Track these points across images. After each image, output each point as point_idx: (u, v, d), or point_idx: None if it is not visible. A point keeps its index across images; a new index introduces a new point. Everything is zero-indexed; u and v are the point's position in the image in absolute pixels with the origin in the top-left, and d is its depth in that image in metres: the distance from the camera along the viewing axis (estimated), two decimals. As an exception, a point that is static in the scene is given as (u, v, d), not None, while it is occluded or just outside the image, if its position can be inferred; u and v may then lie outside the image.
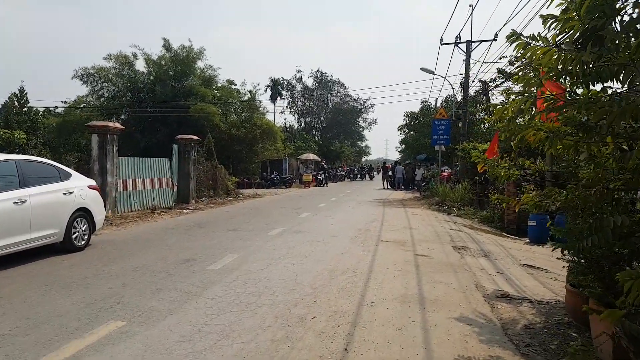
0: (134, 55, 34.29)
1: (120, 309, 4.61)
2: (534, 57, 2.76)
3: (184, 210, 14.15)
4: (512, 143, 3.69)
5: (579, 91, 3.31)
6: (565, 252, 4.51)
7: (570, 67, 2.68)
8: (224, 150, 30.80)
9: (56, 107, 41.48)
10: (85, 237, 7.77)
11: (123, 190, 13.56)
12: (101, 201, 8.43)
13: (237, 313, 4.49)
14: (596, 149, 3.40)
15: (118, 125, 13.39)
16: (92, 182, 8.39)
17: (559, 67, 2.66)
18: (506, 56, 24.65)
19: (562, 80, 3.25)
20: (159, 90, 33.21)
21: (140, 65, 35.19)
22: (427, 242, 8.98)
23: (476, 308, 4.84)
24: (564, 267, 4.92)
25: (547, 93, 3.40)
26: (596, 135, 3.09)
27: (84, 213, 7.74)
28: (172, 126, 31.60)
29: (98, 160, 12.63)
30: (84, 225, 7.72)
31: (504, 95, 16.94)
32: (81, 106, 35.82)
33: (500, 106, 3.23)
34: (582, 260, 4.11)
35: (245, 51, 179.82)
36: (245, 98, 34.81)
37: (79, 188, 7.70)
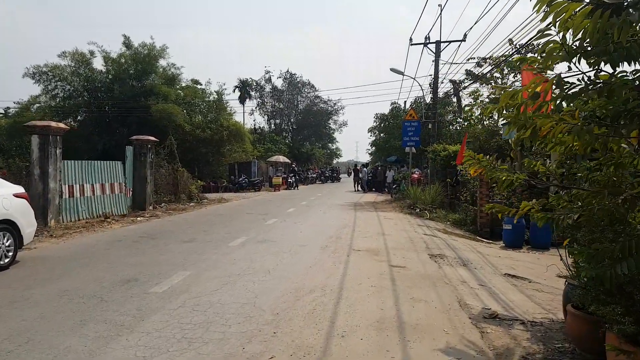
0: (92, 53, 32.52)
1: (27, 352, 3.65)
2: (561, 17, 2.04)
3: (138, 218, 13.01)
4: (511, 140, 2.98)
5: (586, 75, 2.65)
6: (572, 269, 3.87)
7: (607, 34, 1.98)
8: (188, 153, 29.52)
9: (8, 108, 38.90)
10: (10, 254, 6.65)
11: (69, 197, 12.32)
12: (31, 211, 7.31)
13: (175, 353, 3.61)
14: (616, 147, 2.74)
15: (61, 125, 12.15)
16: (19, 190, 7.26)
17: (596, 33, 1.95)
18: (474, 58, 24.45)
19: (575, 61, 2.57)
20: (117, 89, 31.60)
21: (98, 64, 33.46)
22: (401, 249, 8.30)
23: (463, 334, 4.14)
24: (565, 283, 4.26)
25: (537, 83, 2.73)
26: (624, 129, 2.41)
27: (7, 226, 6.63)
28: (132, 127, 30.11)
29: (39, 164, 11.38)
30: (7, 240, 6.60)
31: (472, 96, 16.46)
32: (35, 107, 33.74)
33: (510, 89, 2.52)
34: (585, 278, 3.47)
35: (215, 53, 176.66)
36: (211, 98, 33.57)
37: (1, 197, 6.59)
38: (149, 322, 4.34)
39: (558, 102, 2.57)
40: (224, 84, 58.38)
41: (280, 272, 6.33)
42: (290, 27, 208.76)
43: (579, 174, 3.39)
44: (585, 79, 2.46)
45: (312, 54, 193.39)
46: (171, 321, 4.35)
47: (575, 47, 2.40)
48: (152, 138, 16.20)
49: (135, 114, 30.67)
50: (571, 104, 2.45)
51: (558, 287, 6.54)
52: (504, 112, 2.53)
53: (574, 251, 2.83)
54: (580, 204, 2.75)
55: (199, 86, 35.24)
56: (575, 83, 2.39)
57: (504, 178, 2.99)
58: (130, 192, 15.36)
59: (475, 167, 3.13)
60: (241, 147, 33.33)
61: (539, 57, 2.37)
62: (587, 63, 2.55)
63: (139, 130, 26.69)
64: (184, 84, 34.57)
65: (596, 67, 2.41)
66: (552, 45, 2.18)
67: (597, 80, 2.42)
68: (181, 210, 15.53)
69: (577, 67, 2.27)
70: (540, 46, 2.22)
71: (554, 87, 2.33)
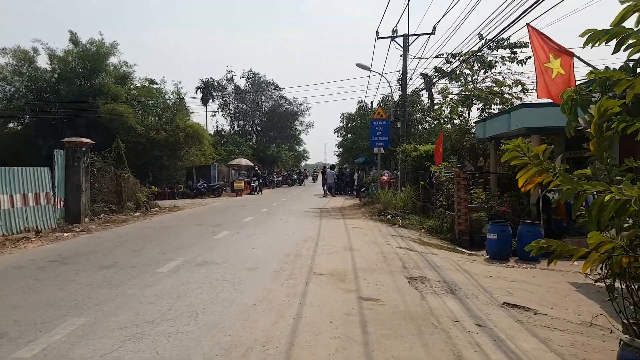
0: (35, 50, 29.97)
1: None
2: None
3: (65, 234, 11.00)
4: (582, 119, 1.50)
5: None
6: None
7: None
8: (141, 156, 27.33)
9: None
10: None
11: (-21, 210, 10.26)
12: None
13: None
14: None
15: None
16: None
17: None
18: (443, 54, 23.33)
19: None
20: (64, 89, 29.10)
21: (43, 62, 30.96)
22: (373, 271, 6.80)
23: None
24: (619, 343, 2.82)
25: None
26: None
27: None
28: (80, 130, 27.66)
29: None
30: None
31: (442, 94, 15.14)
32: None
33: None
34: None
35: (176, 54, 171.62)
36: (167, 97, 31.44)
37: None
38: None
39: None
40: (180, 82, 55.83)
41: (211, 315, 4.67)
42: (254, 28, 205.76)
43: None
44: None
45: (276, 56, 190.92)
46: None
47: None
48: (87, 140, 14.18)
49: (83, 115, 28.30)
50: None
51: (570, 319, 5.22)
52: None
53: None
54: None
55: (155, 86, 33.07)
56: None
57: (606, 198, 1.51)
58: (62, 203, 13.31)
59: (531, 173, 1.64)
60: (200, 150, 31.29)
61: None
62: None
63: (87, 133, 24.49)
64: (138, 84, 32.33)
65: None
66: None
67: None
68: (121, 222, 13.55)
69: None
70: None
71: None
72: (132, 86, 31.70)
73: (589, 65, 4.22)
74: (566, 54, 4.27)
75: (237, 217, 14.55)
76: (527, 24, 4.66)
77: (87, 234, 11.06)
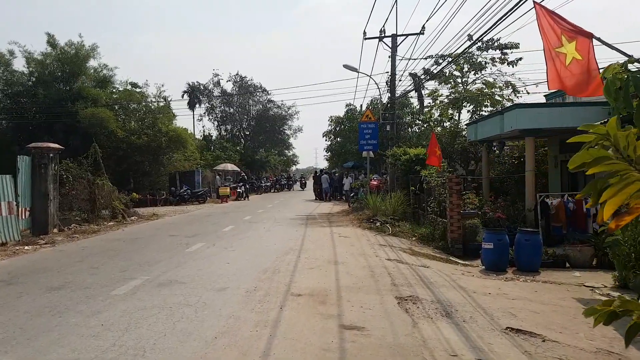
0: (12, 53, 28.86)
1: None
2: None
3: (26, 247, 10.09)
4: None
5: None
6: None
7: None
8: (122, 162, 26.42)
9: None
10: None
11: None
12: None
13: None
14: None
15: None
16: None
17: None
18: (432, 56, 22.76)
19: None
20: (42, 93, 28.03)
21: (20, 64, 29.96)
22: (359, 290, 6.06)
23: None
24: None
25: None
26: None
27: None
28: (58, 135, 26.64)
29: None
30: None
31: (431, 97, 14.46)
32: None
33: None
34: None
35: (163, 59, 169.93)
36: (150, 101, 30.47)
37: None
38: None
39: None
40: (163, 85, 54.71)
41: (161, 353, 3.89)
42: (243, 33, 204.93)
43: None
44: None
45: (264, 60, 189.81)
46: None
47: None
48: (54, 145, 13.29)
49: (62, 120, 27.27)
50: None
51: (583, 346, 4.52)
52: None
53: None
54: None
55: (137, 89, 32.11)
56: None
57: None
58: (27, 213, 12.38)
59: (633, 191, 0.92)
60: (184, 155, 30.36)
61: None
62: None
63: (66, 138, 23.60)
64: (120, 88, 31.35)
65: None
66: None
67: None
68: (92, 232, 12.64)
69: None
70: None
71: None
72: (113, 90, 30.76)
73: (611, 47, 3.59)
74: (583, 36, 3.61)
75: (217, 227, 13.71)
76: (535, 3, 4.01)
77: (50, 247, 10.15)
